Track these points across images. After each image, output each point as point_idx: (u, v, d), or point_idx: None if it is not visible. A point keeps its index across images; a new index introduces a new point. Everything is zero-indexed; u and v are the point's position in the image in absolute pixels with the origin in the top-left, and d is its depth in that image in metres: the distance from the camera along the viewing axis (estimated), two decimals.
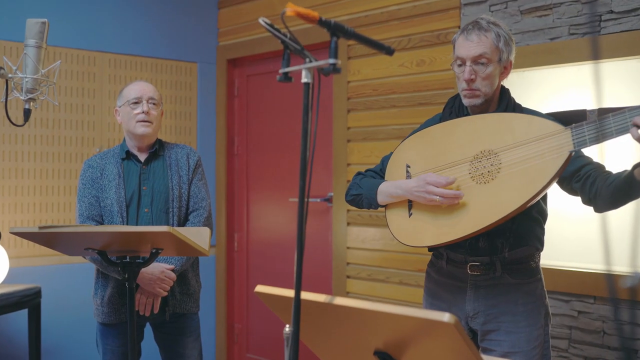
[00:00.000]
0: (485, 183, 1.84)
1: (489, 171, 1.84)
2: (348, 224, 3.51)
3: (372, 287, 3.40)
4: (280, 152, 4.07)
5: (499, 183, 1.81)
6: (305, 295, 1.32)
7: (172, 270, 2.44)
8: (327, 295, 1.31)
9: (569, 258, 2.66)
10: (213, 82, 4.34)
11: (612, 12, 2.54)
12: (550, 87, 2.72)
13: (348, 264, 3.52)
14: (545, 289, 2.03)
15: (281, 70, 1.31)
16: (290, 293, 1.37)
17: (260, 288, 1.47)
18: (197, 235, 2.14)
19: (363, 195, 2.13)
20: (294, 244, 1.21)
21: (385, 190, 2.05)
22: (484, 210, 1.82)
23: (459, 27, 3.06)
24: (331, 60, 1.21)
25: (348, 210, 3.50)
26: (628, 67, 2.51)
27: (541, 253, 2.04)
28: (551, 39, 2.72)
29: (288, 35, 1.31)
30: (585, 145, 1.68)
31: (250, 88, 4.28)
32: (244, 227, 4.29)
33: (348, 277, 3.52)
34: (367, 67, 3.44)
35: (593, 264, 2.60)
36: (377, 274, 3.38)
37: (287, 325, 1.36)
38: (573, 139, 1.69)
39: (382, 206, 2.11)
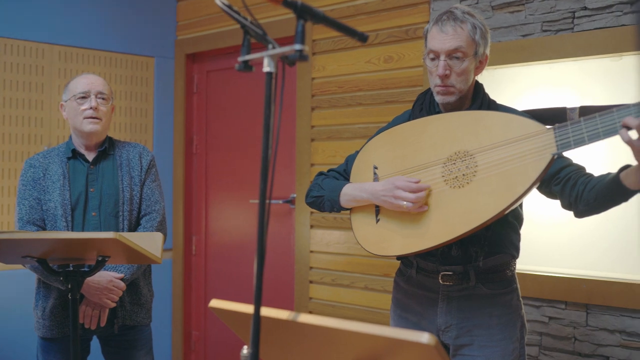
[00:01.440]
0: (459, 187, 1.70)
1: (464, 174, 1.70)
2: (311, 226, 3.38)
3: (336, 292, 3.28)
4: (240, 151, 3.92)
5: (474, 187, 1.67)
6: (266, 311, 1.18)
7: (122, 279, 2.26)
8: (291, 312, 1.18)
9: (540, 262, 2.59)
10: (171, 77, 4.16)
11: (586, 8, 2.47)
12: (522, 85, 2.64)
13: (311, 268, 3.39)
14: (521, 300, 1.92)
15: (240, 59, 1.16)
16: (248, 309, 1.23)
17: (215, 303, 1.33)
18: (149, 241, 1.98)
19: (325, 197, 1.97)
20: (255, 246, 1.06)
21: (350, 193, 1.90)
22: (458, 217, 1.67)
23: (429, 22, 2.95)
24: (297, 46, 1.06)
25: (311, 213, 3.37)
26: (601, 66, 2.43)
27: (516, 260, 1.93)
28: (523, 35, 2.63)
29: (249, 19, 1.16)
30: (569, 147, 1.54)
31: (210, 84, 4.11)
32: (202, 230, 4.12)
33: (311, 282, 3.39)
34: (333, 63, 3.32)
35: (564, 269, 2.54)
36: (341, 279, 3.26)
37: (245, 347, 1.22)
38: (556, 141, 1.56)
39: (345, 209, 1.97)
